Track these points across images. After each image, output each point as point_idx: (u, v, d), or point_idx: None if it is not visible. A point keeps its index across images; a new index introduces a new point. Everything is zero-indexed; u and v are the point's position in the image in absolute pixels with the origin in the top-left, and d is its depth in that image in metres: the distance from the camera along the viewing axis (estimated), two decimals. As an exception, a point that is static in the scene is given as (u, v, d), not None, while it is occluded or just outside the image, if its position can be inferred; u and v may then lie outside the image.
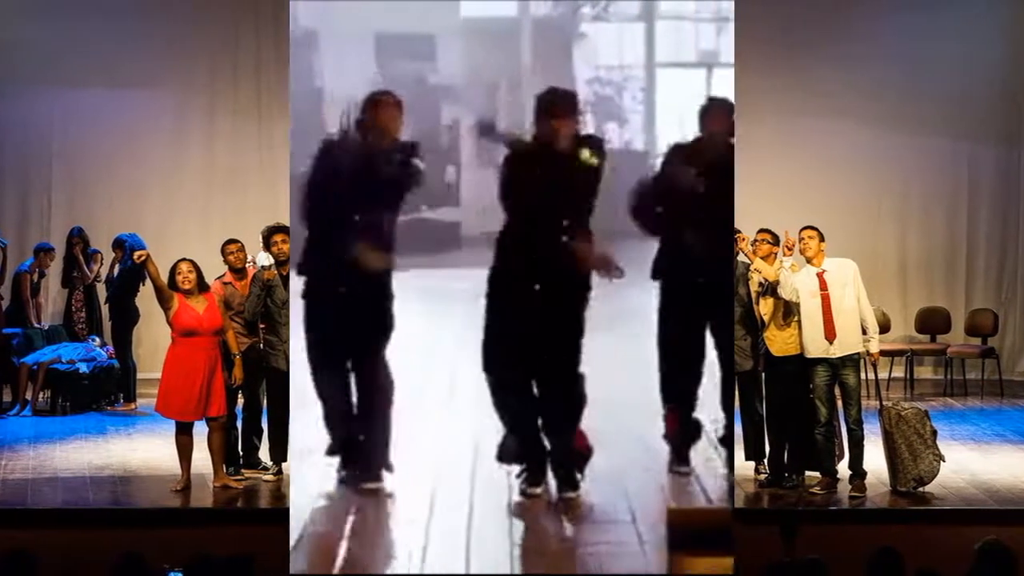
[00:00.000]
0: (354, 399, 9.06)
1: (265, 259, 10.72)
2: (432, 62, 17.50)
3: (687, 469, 9.28)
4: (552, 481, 8.92)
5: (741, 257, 10.61)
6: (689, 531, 7.13)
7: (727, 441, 9.36)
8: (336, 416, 9.09)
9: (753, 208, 13.05)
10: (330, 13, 16.45)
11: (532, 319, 8.74)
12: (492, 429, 9.03)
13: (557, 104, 8.76)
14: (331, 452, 9.17)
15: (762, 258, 10.40)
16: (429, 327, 12.72)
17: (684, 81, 17.60)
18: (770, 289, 10.35)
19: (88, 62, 14.77)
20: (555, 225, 8.73)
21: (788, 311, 10.35)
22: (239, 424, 10.96)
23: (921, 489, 10.22)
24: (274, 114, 14.99)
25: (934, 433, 10.30)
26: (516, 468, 8.98)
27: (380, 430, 9.06)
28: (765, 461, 10.67)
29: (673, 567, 7.31)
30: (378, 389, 9.04)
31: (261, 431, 11.06)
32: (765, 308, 10.42)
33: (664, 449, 9.37)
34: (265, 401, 11.00)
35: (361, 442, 9.04)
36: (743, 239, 10.60)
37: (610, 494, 8.89)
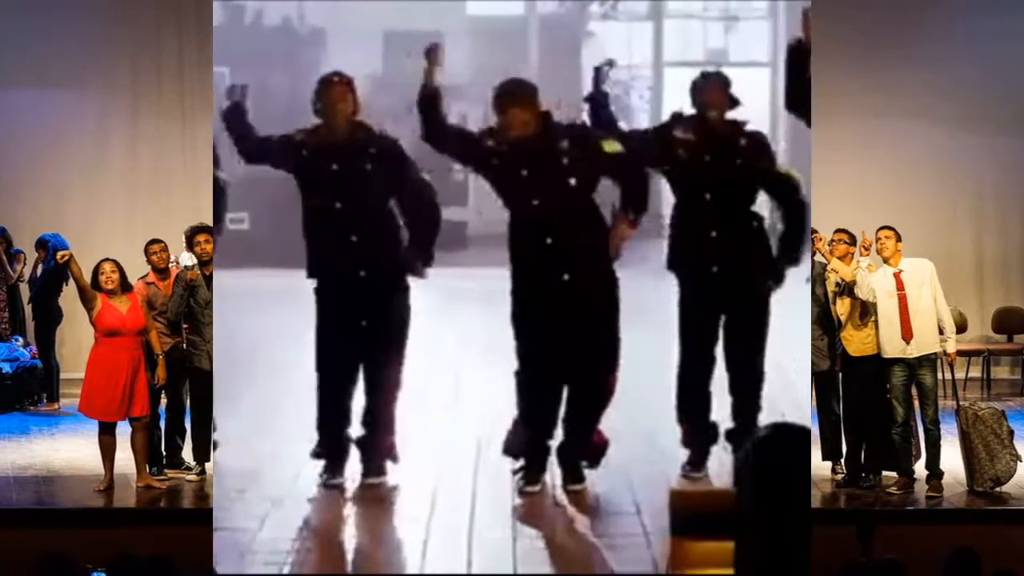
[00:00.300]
0: (359, 396, 9.02)
1: (188, 259, 10.78)
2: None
3: (700, 475, 9.14)
4: (557, 474, 8.86)
5: (818, 257, 10.65)
6: (692, 514, 7.09)
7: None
8: (341, 412, 9.03)
9: (830, 208, 13.08)
10: (338, 12, 16.43)
11: (565, 312, 8.65)
12: (495, 427, 8.98)
13: (515, 92, 8.76)
14: (328, 449, 9.07)
15: (839, 258, 10.42)
16: (433, 326, 12.73)
17: (692, 80, 17.54)
18: (847, 289, 10.37)
19: (10, 62, 14.75)
20: (568, 215, 8.70)
21: (865, 311, 10.37)
22: (162, 424, 10.91)
23: (998, 489, 10.20)
24: (198, 116, 14.88)
25: (1011, 433, 10.28)
26: (518, 464, 8.89)
27: (385, 426, 9.02)
28: (842, 461, 10.68)
29: (675, 552, 7.19)
30: (388, 386, 8.99)
31: (184, 431, 11.02)
32: (842, 308, 10.45)
33: (670, 441, 9.32)
34: (188, 401, 10.97)
35: (364, 438, 9.01)
36: (820, 239, 10.65)
37: (615, 486, 8.88)
